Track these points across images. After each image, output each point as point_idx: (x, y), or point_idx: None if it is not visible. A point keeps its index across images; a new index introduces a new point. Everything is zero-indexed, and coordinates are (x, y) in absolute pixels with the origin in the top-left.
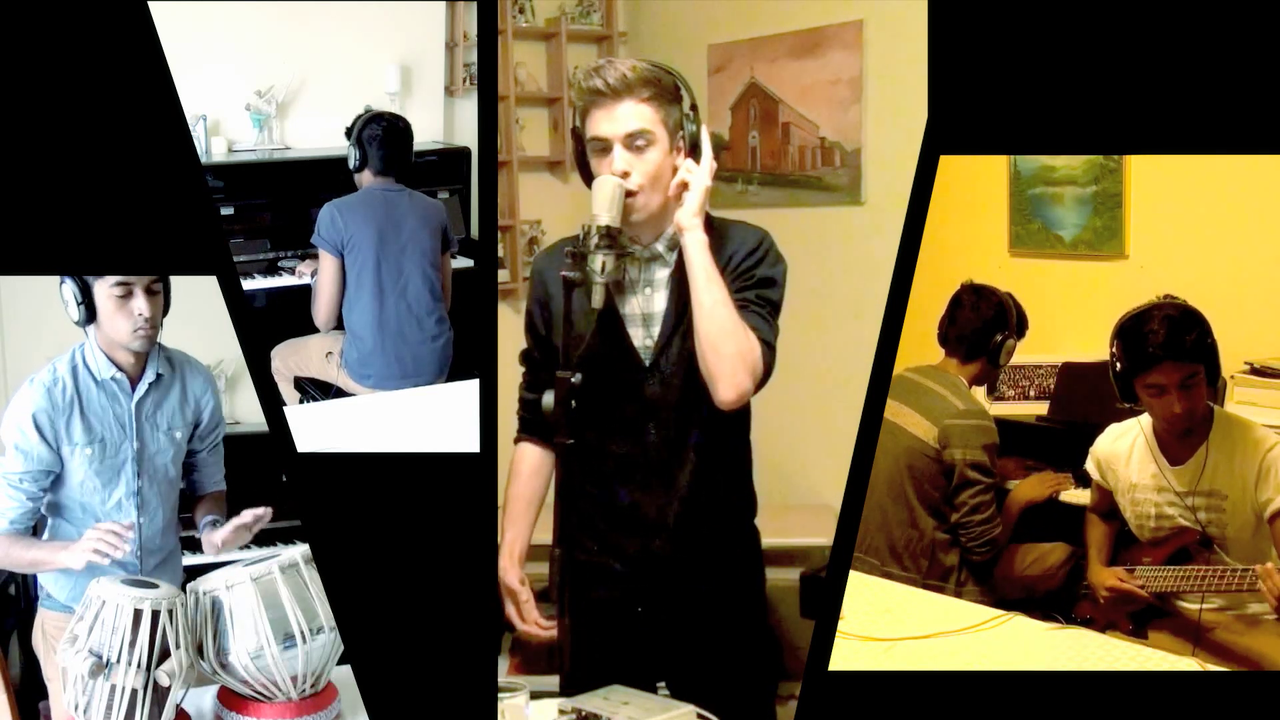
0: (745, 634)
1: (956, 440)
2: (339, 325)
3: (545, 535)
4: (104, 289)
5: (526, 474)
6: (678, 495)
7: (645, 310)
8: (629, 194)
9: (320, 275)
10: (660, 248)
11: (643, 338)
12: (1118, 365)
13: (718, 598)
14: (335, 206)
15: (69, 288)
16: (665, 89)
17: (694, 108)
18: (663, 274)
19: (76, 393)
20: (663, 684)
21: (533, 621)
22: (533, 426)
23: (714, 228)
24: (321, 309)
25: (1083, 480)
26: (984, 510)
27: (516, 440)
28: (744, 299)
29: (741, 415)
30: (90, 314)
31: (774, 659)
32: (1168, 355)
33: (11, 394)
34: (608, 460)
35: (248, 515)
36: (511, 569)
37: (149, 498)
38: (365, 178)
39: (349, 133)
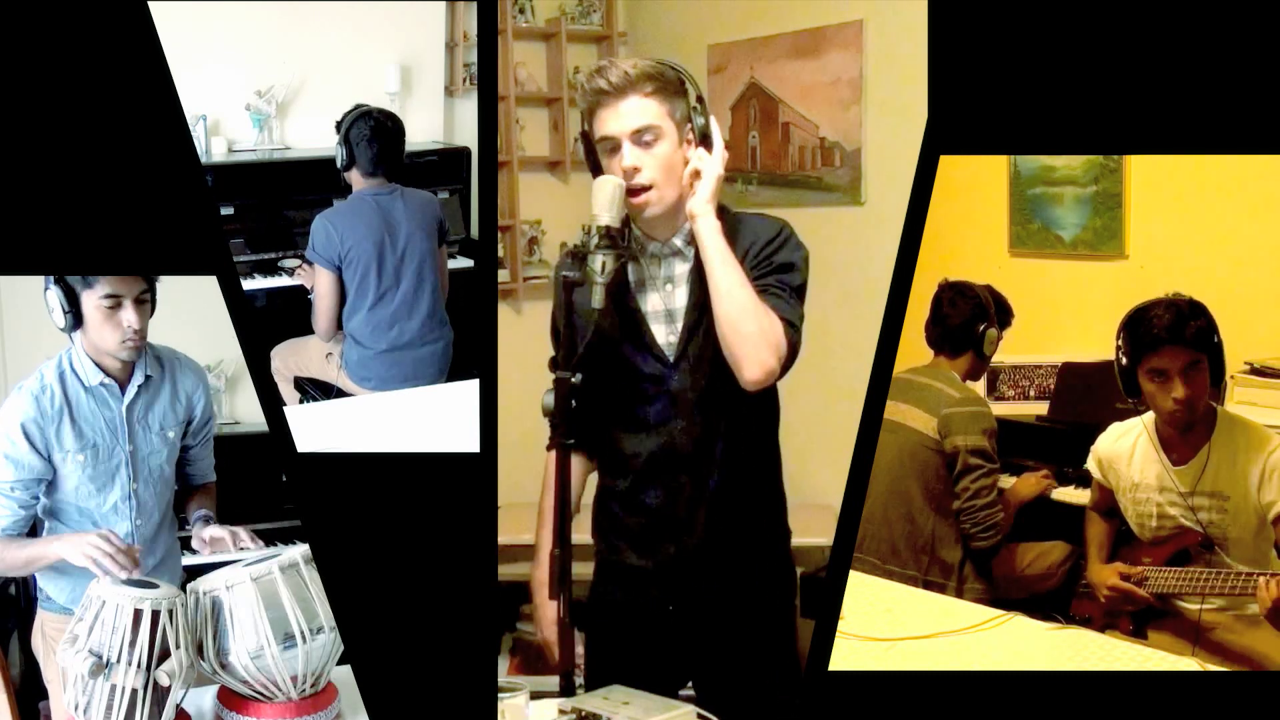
0: (774, 636)
1: (957, 428)
2: (339, 326)
3: (582, 536)
4: (92, 300)
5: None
6: (706, 493)
7: (667, 306)
8: (643, 189)
9: (317, 289)
10: (679, 242)
11: (666, 334)
12: (1123, 359)
13: (748, 598)
14: (328, 220)
15: (54, 294)
16: (669, 83)
17: (700, 100)
18: (683, 269)
19: (65, 400)
20: (687, 687)
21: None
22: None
23: (731, 220)
24: (321, 321)
25: (1077, 479)
26: (986, 495)
27: (548, 448)
28: (764, 284)
29: (769, 412)
30: (76, 321)
31: (794, 664)
32: (1171, 339)
33: (7, 396)
34: (636, 458)
35: (241, 535)
36: (551, 606)
37: (145, 499)
38: (354, 177)
39: (338, 128)
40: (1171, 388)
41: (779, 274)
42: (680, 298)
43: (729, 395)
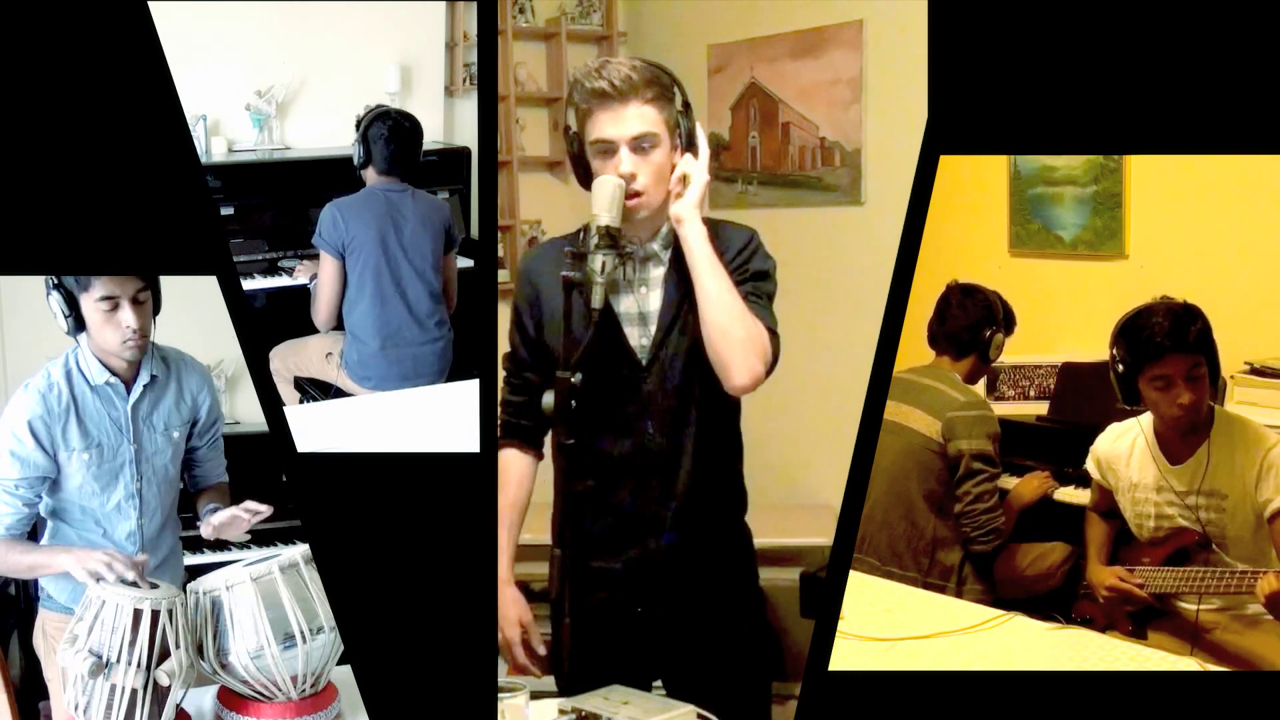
0: (741, 632)
1: (961, 431)
2: (339, 325)
3: (545, 535)
4: (90, 302)
5: (515, 482)
6: (675, 493)
7: (641, 309)
8: (635, 195)
9: (320, 276)
10: (656, 246)
11: (639, 336)
12: (1120, 366)
13: (713, 596)
14: (337, 207)
15: (55, 299)
16: (665, 89)
17: (687, 104)
18: (658, 272)
19: (72, 398)
20: (658, 683)
21: (524, 663)
22: (518, 431)
23: (708, 226)
24: (321, 310)
25: (1077, 479)
26: (987, 499)
27: (500, 447)
28: (743, 291)
29: (732, 412)
30: (79, 324)
31: (770, 657)
32: (1174, 346)
33: (10, 395)
34: (605, 460)
35: (248, 505)
36: (512, 605)
37: (148, 499)
38: (369, 175)
39: (357, 126)
40: (1176, 394)
41: (755, 281)
42: (654, 301)
43: (698, 397)
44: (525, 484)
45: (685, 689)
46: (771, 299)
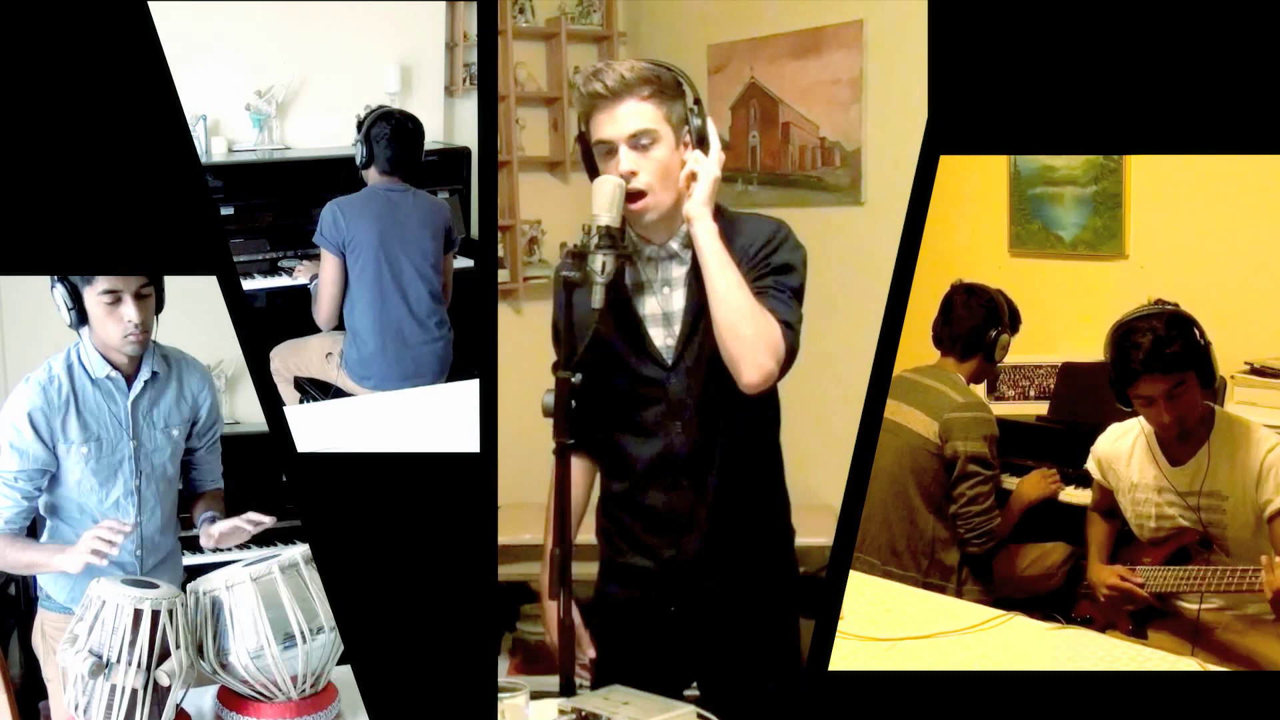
0: (778, 634)
1: (957, 433)
2: (339, 325)
3: (587, 535)
4: (92, 295)
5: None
6: (707, 494)
7: (665, 309)
8: (640, 194)
9: (322, 274)
10: (675, 246)
11: (663, 337)
12: (1112, 373)
13: (751, 598)
14: (338, 205)
15: (59, 292)
16: (666, 85)
17: (697, 101)
18: (680, 272)
19: (73, 391)
20: (692, 686)
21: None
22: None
23: (728, 221)
24: (323, 308)
25: (1078, 479)
26: (982, 501)
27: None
28: (761, 285)
29: (771, 413)
30: (81, 318)
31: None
32: (1147, 370)
33: (10, 391)
34: (636, 461)
35: (250, 517)
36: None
37: (147, 496)
38: (371, 175)
39: (359, 127)
40: (1157, 413)
41: (776, 275)
42: (677, 301)
43: (727, 398)
44: (580, 487)
45: (719, 691)
46: (797, 292)
